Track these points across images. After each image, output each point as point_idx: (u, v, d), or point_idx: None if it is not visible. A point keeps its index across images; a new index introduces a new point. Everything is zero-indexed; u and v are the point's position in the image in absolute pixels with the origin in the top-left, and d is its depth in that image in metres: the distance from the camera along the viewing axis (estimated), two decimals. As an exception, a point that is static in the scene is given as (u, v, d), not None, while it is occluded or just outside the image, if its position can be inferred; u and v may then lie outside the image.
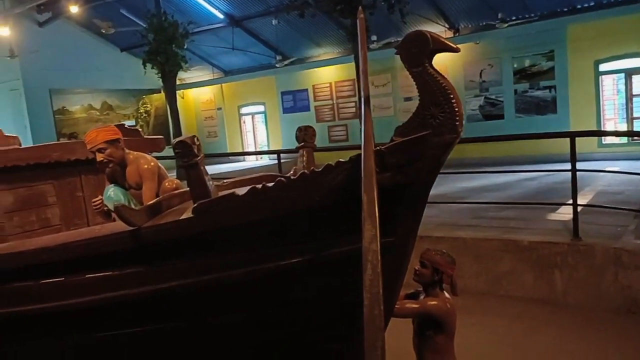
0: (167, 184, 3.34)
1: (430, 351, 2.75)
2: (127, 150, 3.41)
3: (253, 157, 17.85)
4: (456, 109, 2.14)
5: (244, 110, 18.54)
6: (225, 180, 3.47)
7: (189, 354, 3.21)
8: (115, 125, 3.71)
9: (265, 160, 16.87)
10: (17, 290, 3.09)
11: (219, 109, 18.73)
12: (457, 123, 2.15)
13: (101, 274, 2.95)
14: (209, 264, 2.80)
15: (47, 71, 14.98)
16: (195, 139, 2.60)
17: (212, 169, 9.58)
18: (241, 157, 17.83)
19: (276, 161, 7.81)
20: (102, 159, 3.29)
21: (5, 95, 15.37)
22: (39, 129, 14.75)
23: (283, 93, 17.11)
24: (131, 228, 2.73)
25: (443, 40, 2.14)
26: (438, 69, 2.18)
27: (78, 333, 3.16)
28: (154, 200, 2.86)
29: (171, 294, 2.89)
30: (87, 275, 2.99)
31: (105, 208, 3.40)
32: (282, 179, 2.44)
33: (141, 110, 18.20)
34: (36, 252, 2.92)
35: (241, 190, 2.61)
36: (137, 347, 3.15)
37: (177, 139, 2.54)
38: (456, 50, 2.13)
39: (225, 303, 2.94)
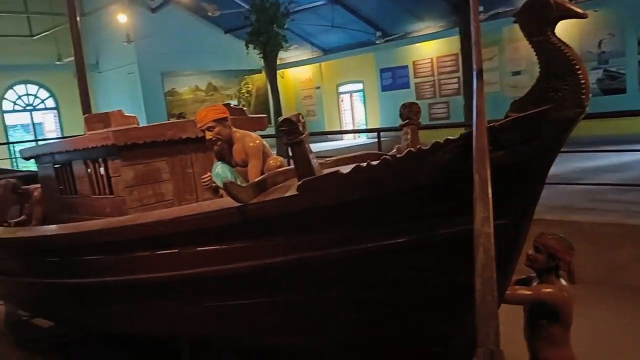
0: (271, 161, 3.41)
1: (544, 342, 2.58)
2: (233, 129, 3.52)
3: (350, 136, 17.85)
4: (582, 81, 1.94)
5: (342, 88, 18.54)
6: (327, 159, 3.47)
7: (288, 327, 3.28)
8: (222, 104, 3.83)
9: (362, 139, 16.81)
10: (136, 259, 3.33)
11: (318, 87, 18.89)
12: (582, 96, 1.95)
13: (211, 247, 3.09)
14: (311, 241, 2.83)
15: (159, 55, 15.94)
16: (300, 116, 2.61)
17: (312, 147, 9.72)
18: (339, 136, 17.91)
19: (374, 140, 7.72)
20: (210, 136, 3.42)
21: (123, 79, 16.61)
22: (152, 110, 15.81)
23: (382, 70, 16.85)
24: (238, 204, 2.82)
25: (568, 5, 1.94)
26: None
27: (187, 301, 3.35)
28: (260, 178, 2.92)
29: (274, 268, 2.96)
30: (198, 248, 3.15)
31: (214, 184, 3.54)
32: (387, 157, 2.37)
33: (243, 90, 18.84)
34: (153, 224, 3.10)
35: (345, 169, 2.58)
36: (239, 318, 3.28)
37: (283, 117, 2.55)
38: (583, 16, 1.92)
39: (326, 280, 2.96)
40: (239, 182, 3.57)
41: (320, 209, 2.72)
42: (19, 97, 15.97)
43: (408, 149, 2.31)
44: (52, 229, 3.82)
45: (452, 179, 2.25)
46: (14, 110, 15.85)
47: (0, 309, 5.89)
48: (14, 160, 13.84)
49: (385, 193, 2.43)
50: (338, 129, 18.30)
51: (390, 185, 2.40)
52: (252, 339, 3.47)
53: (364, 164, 2.41)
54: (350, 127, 18.39)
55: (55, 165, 4.48)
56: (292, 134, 2.64)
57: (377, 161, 2.37)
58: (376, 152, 3.94)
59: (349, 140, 17.27)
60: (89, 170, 4.13)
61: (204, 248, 3.10)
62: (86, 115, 4.28)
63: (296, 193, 2.70)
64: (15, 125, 16.15)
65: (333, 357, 3.47)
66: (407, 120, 3.37)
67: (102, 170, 4.06)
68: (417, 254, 2.56)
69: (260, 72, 18.21)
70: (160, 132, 3.95)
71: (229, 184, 2.72)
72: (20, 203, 4.98)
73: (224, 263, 3.05)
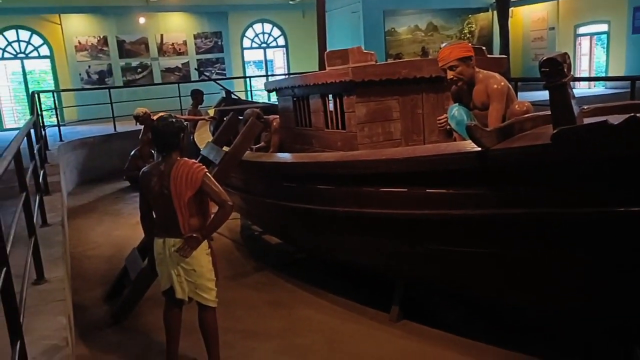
0: (517, 106, 3.12)
1: None
2: (476, 69, 3.30)
3: (584, 84, 15.85)
4: None
5: (581, 30, 16.35)
6: (584, 107, 3.05)
7: (512, 283, 3.09)
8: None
9: (599, 89, 14.77)
10: (365, 193, 3.42)
11: (552, 28, 16.96)
12: None
13: (441, 190, 3.02)
14: (558, 197, 2.56)
15: (384, -8, 15.96)
16: (567, 56, 2.29)
17: (533, 96, 8.84)
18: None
19: (614, 90, 6.65)
20: (452, 76, 3.26)
21: (346, 17, 17.04)
22: (372, 49, 15.99)
23: (636, 9, 14.31)
24: (479, 149, 2.66)
25: None
26: None
27: (409, 241, 3.36)
28: (506, 123, 2.70)
29: (510, 220, 2.77)
30: (427, 190, 3.10)
31: (448, 127, 3.42)
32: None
33: (465, 31, 17.86)
34: (387, 162, 3.13)
35: (614, 119, 2.23)
36: (458, 265, 3.19)
37: (546, 56, 2.27)
38: None
39: (564, 240, 2.68)
40: (475, 127, 3.38)
41: (577, 162, 2.43)
42: (256, 35, 17.59)
43: None
44: (291, 157, 4.15)
45: None
46: (251, 47, 17.57)
47: (238, 223, 6.79)
48: (248, 92, 15.48)
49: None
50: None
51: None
52: (467, 288, 3.38)
53: (647, 115, 2.03)
54: (585, 74, 16.28)
55: (294, 98, 4.81)
56: (555, 76, 2.35)
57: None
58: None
59: (581, 89, 15.35)
60: (324, 104, 4.34)
61: (434, 190, 3.04)
62: (327, 51, 4.45)
63: (549, 142, 2.43)
64: (249, 62, 17.93)
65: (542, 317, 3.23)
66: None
67: (331, 105, 4.23)
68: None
69: (487, 11, 17.00)
70: (395, 70, 3.92)
71: (473, 126, 2.57)
72: (262, 131, 5.53)
73: (452, 208, 2.96)
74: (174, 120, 3.14)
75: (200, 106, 8.44)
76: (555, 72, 2.34)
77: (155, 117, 6.98)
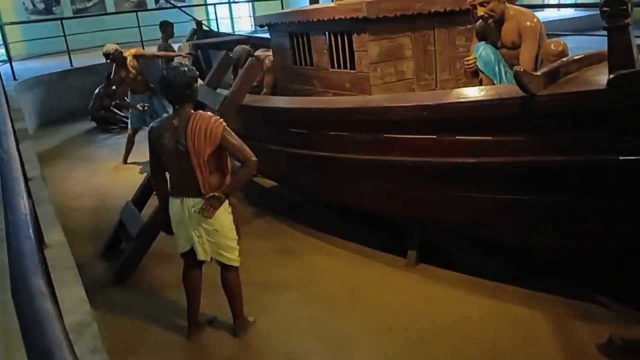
0: (552, 46, 2.96)
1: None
2: (507, 5, 3.09)
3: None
4: None
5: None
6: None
7: (549, 229, 3.06)
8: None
9: (568, 12, 14.67)
10: (390, 140, 3.26)
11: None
12: None
13: (475, 137, 2.89)
14: (609, 144, 2.47)
15: None
16: (630, -5, 2.13)
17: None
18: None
19: (587, 12, 6.51)
20: (483, 12, 3.04)
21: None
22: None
23: None
24: (523, 94, 2.52)
25: None
26: None
27: (438, 188, 3.26)
28: (552, 66, 2.54)
29: (555, 167, 2.69)
30: (457, 137, 2.97)
31: (474, 67, 3.24)
32: None
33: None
34: (418, 107, 2.95)
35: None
36: (495, 211, 3.13)
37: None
38: None
39: (608, 189, 2.63)
40: (501, 66, 3.22)
41: (631, 109, 2.33)
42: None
43: None
44: (300, 102, 3.90)
45: None
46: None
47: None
48: (212, 21, 14.55)
49: None
50: None
51: None
52: (497, 232, 3.35)
53: None
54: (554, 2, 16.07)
55: (292, 35, 4.47)
56: (617, 17, 2.19)
57: None
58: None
59: (550, 15, 15.21)
60: (329, 42, 4.04)
61: (467, 137, 2.91)
62: None
63: (604, 87, 2.31)
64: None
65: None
66: None
67: (328, 42, 3.92)
68: None
69: None
70: (409, 4, 3.64)
71: (522, 72, 2.41)
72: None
73: (490, 155, 2.84)
74: (185, 69, 2.83)
75: (170, 40, 7.86)
76: (617, 12, 2.18)
77: (128, 54, 6.48)
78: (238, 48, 5.04)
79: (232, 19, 16.05)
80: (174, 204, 2.97)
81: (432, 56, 3.94)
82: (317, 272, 3.95)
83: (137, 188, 4.64)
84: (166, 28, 7.67)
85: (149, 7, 14.71)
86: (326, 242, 4.36)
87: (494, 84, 3.22)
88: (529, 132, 2.65)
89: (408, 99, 3.09)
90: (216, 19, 14.56)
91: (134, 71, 6.44)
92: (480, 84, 3.32)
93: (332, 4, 3.95)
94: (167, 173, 3.04)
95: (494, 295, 3.43)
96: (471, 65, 3.20)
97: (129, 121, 6.95)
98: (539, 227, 2.99)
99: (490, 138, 2.81)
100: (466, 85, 3.71)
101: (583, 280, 3.37)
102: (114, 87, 8.85)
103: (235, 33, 11.07)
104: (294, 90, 4.62)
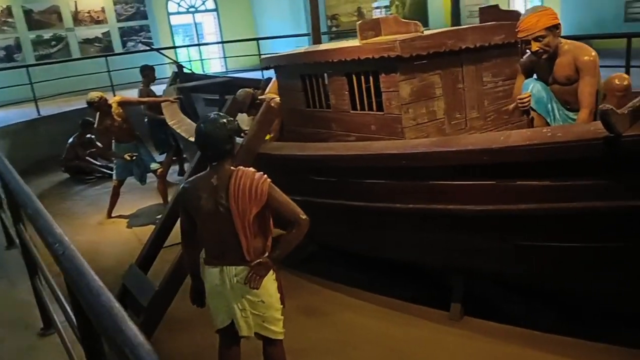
0: (616, 80, 2.78)
1: None
2: (560, 39, 2.91)
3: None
4: None
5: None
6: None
7: (610, 275, 2.85)
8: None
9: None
10: (433, 187, 3.01)
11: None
12: None
13: (542, 182, 2.66)
14: None
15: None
16: None
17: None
18: None
19: None
20: (538, 47, 2.85)
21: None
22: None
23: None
24: (606, 134, 2.31)
25: None
26: None
27: (496, 237, 3.00)
28: (636, 103, 2.34)
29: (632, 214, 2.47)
30: (518, 182, 2.73)
31: (529, 106, 3.03)
32: None
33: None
34: (477, 152, 2.71)
35: None
36: (561, 260, 2.88)
37: None
38: None
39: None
40: (553, 104, 3.03)
41: None
42: (183, -1, 16.23)
43: None
44: (327, 148, 3.60)
45: None
46: (177, 12, 16.18)
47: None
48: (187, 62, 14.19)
49: None
50: None
51: None
52: (561, 282, 3.09)
53: None
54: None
55: (304, 76, 4.21)
56: None
57: None
58: None
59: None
60: (349, 83, 3.79)
61: (531, 182, 2.67)
62: (360, 21, 3.87)
63: None
64: (177, 27, 16.54)
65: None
66: None
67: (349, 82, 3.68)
68: None
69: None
70: (441, 42, 3.45)
71: (610, 110, 2.19)
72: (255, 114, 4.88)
73: (561, 201, 2.61)
74: (225, 120, 2.50)
75: (151, 84, 7.49)
76: None
77: (112, 101, 6.08)
78: (241, 92, 4.75)
79: (202, 60, 15.78)
80: (211, 273, 2.59)
81: (461, 94, 3.74)
82: (352, 332, 3.59)
83: (127, 245, 4.23)
84: (148, 72, 7.30)
85: (116, 52, 14.29)
86: (352, 297, 4.02)
87: (547, 123, 3.03)
88: (610, 174, 2.43)
89: (458, 143, 2.84)
90: (189, 60, 14.25)
91: (119, 119, 6.04)
92: (531, 123, 3.12)
93: (356, 43, 3.71)
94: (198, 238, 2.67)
95: (550, 350, 3.15)
96: (525, 104, 3.00)
97: (113, 172, 6.50)
98: (617, 276, 2.75)
99: (561, 182, 2.58)
100: (514, 124, 3.51)
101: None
102: (90, 135, 8.41)
103: (224, 75, 10.80)
104: (306, 134, 4.32)
